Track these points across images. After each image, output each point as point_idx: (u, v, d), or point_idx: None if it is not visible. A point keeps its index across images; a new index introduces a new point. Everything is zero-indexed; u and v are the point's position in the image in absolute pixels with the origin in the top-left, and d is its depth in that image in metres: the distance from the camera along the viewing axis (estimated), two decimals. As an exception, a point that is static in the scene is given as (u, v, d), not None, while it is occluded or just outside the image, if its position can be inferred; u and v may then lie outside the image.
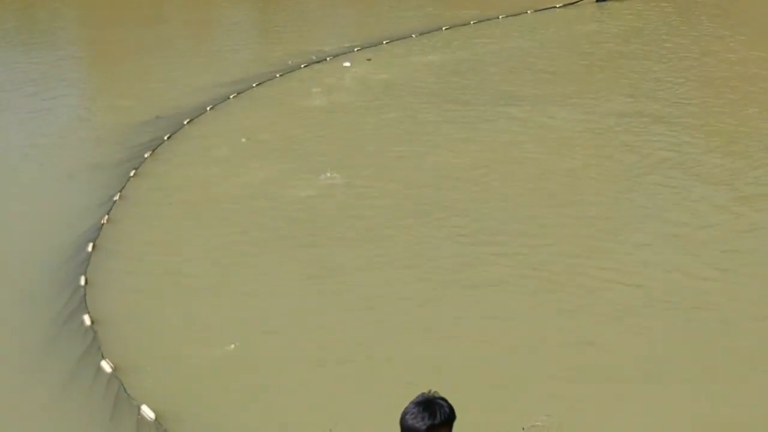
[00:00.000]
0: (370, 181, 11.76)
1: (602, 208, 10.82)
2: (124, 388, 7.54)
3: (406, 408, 4.02)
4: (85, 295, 9.03)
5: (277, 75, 16.84)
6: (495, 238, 10.07)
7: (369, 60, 17.50)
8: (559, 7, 22.35)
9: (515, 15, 21.45)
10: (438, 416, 3.96)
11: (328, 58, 18.02)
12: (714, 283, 9.00)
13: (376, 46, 18.89)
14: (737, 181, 11.44)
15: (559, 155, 12.44)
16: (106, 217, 10.73)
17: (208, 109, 14.81)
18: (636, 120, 13.78)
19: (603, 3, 22.77)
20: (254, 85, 16.17)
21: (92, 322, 8.51)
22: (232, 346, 8.11)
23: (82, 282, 9.25)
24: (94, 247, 9.99)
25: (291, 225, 10.56)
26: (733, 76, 16.12)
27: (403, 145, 13.06)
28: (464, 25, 20.58)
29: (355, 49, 18.60)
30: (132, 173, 12.04)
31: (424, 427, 3.93)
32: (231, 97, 15.47)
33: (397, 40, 19.31)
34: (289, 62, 17.59)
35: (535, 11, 21.88)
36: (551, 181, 11.56)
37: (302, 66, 17.45)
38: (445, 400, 4.05)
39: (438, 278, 9.28)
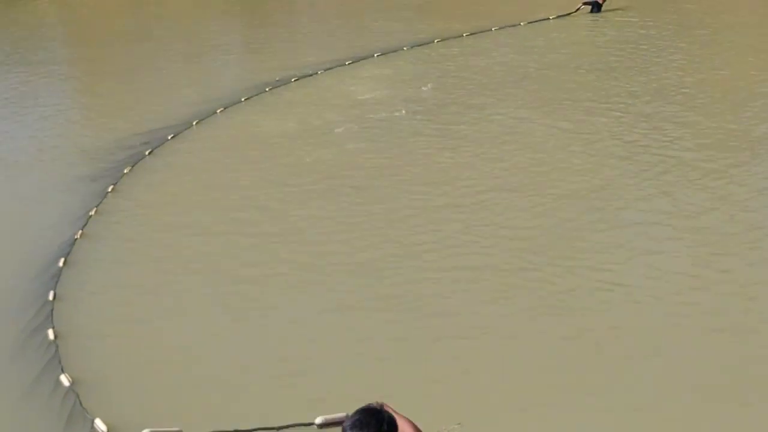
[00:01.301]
0: (354, 206, 11.62)
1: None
2: (80, 401, 7.74)
3: (350, 417, 4.12)
4: (52, 309, 9.25)
5: (267, 89, 17.04)
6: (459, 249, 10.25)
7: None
8: (553, 18, 22.52)
9: (508, 27, 21.63)
10: (384, 426, 4.06)
11: (319, 72, 18.24)
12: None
13: (366, 59, 19.10)
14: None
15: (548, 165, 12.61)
16: (80, 232, 10.94)
17: (194, 123, 15.01)
18: (627, 128, 14.02)
19: (597, 13, 22.97)
20: (242, 99, 16.38)
21: (55, 336, 8.73)
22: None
23: (51, 297, 9.48)
24: (65, 262, 10.21)
25: (265, 246, 10.56)
26: (721, 87, 16.26)
27: (388, 157, 13.23)
28: (457, 37, 20.77)
29: (347, 63, 18.82)
30: (110, 189, 12.24)
31: None
32: (218, 111, 15.67)
33: (389, 53, 19.54)
34: (278, 77, 17.77)
35: (529, 23, 22.06)
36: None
37: (292, 80, 17.66)
38: (388, 413, 4.15)
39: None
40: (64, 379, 8.04)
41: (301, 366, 8.17)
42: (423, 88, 16.78)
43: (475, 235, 10.56)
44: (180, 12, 28.71)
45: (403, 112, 15.30)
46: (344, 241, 10.55)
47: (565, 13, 22.79)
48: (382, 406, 4.24)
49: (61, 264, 10.16)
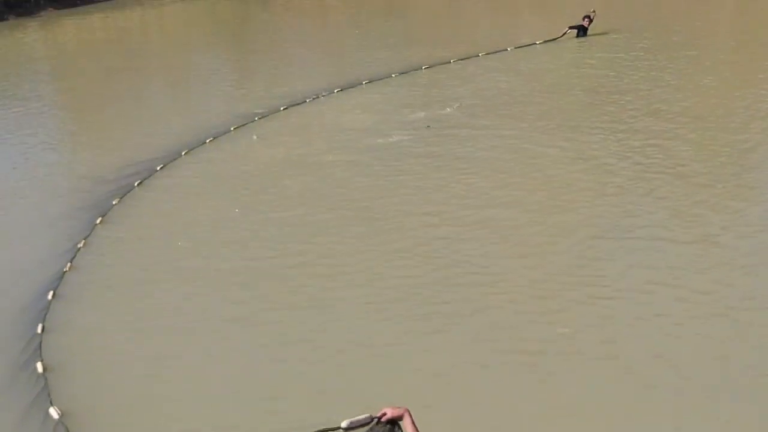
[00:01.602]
0: (349, 235, 11.44)
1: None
2: (69, 434, 7.74)
3: None
4: (40, 342, 9.19)
5: (256, 118, 17.04)
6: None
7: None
8: (540, 43, 22.63)
9: (496, 52, 21.73)
10: None
11: (307, 100, 18.25)
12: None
13: (354, 86, 19.15)
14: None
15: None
16: (69, 265, 10.90)
17: (183, 153, 14.98)
18: (628, 148, 14.02)
19: (583, 37, 23.09)
20: (231, 129, 16.36)
21: (44, 369, 8.66)
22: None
23: (39, 330, 9.42)
24: (54, 295, 10.15)
25: (255, 282, 10.42)
26: (715, 106, 16.25)
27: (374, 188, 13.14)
28: (444, 63, 20.85)
29: (336, 91, 18.86)
30: (98, 221, 12.18)
31: None
32: (207, 141, 15.64)
33: (377, 80, 19.57)
34: (267, 106, 17.78)
35: (516, 48, 22.16)
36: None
37: (281, 108, 17.65)
38: None
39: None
40: (53, 412, 7.99)
41: (293, 406, 8.08)
42: (420, 113, 16.78)
43: (480, 257, 10.51)
44: (165, 44, 28.89)
45: (394, 138, 15.28)
46: (338, 274, 10.37)
47: (552, 38, 22.87)
48: (401, 417, 4.44)
49: (50, 297, 10.11)
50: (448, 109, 16.81)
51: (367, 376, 8.30)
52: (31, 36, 31.02)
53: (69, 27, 32.58)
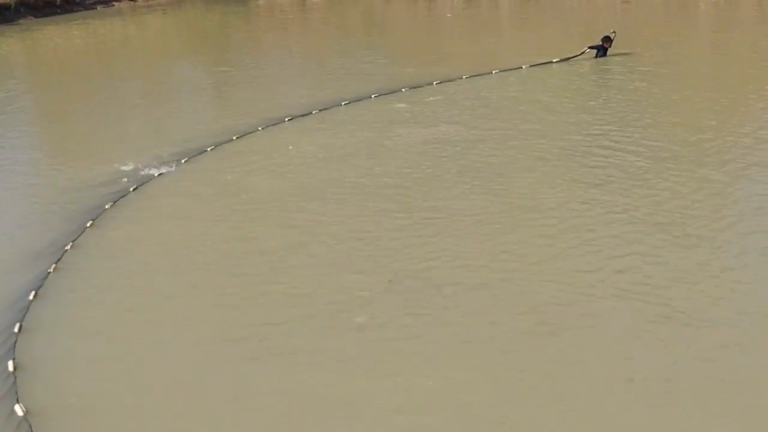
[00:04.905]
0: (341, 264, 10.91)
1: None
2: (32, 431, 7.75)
3: None
4: (15, 342, 9.22)
5: (260, 128, 17.03)
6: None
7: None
8: (557, 61, 22.51)
9: (509, 70, 21.69)
10: None
11: (313, 111, 18.21)
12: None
13: (362, 100, 19.14)
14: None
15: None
16: (54, 266, 10.94)
17: (183, 161, 15.02)
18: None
19: (602, 57, 22.91)
20: (234, 137, 16.36)
21: (15, 368, 8.71)
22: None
23: (16, 329, 9.45)
24: (36, 295, 10.20)
25: (239, 283, 10.42)
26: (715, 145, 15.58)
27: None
28: (456, 80, 20.80)
29: (342, 103, 18.78)
30: (89, 224, 12.22)
31: None
32: (209, 149, 15.68)
33: (388, 93, 19.58)
34: (271, 116, 17.80)
35: (531, 66, 22.07)
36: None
37: (286, 120, 17.63)
38: None
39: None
40: (18, 409, 8.03)
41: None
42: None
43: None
44: (148, 53, 29.21)
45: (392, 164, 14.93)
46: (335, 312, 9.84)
47: (569, 56, 22.73)
48: None
49: (31, 297, 10.16)
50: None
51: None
52: (8, 42, 31.60)
53: (48, 35, 33.08)
